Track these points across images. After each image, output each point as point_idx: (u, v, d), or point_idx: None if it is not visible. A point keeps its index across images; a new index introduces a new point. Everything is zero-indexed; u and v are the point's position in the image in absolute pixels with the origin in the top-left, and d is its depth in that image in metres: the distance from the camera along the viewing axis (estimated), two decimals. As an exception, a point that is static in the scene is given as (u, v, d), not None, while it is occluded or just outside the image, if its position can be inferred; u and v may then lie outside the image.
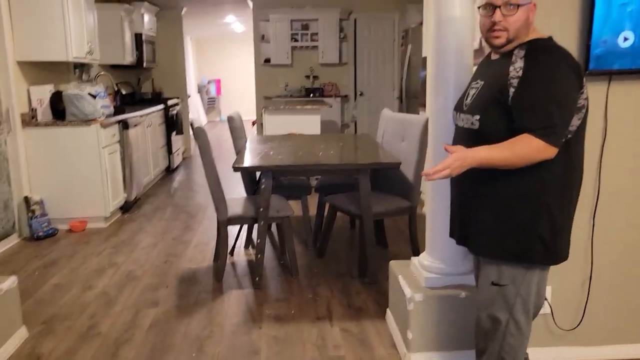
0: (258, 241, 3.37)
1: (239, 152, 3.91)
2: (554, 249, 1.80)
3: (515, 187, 1.77)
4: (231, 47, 14.29)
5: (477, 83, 1.92)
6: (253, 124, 9.54)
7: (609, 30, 2.17)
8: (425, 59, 5.09)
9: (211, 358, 2.57)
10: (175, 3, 7.90)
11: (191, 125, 3.43)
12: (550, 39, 1.80)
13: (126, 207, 5.18)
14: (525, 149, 1.69)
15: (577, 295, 2.43)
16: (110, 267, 3.75)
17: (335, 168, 3.39)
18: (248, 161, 3.38)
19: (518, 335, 1.92)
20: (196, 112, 12.53)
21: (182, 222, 4.88)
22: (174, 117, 7.36)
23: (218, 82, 14.53)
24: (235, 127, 4.15)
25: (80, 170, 4.56)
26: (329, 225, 3.81)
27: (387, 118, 4.08)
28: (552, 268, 2.23)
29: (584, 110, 1.75)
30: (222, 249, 3.47)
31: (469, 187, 1.91)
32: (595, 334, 2.46)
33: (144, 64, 7.10)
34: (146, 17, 7.11)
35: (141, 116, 5.77)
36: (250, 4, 8.32)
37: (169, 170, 7.27)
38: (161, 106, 6.91)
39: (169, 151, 7.21)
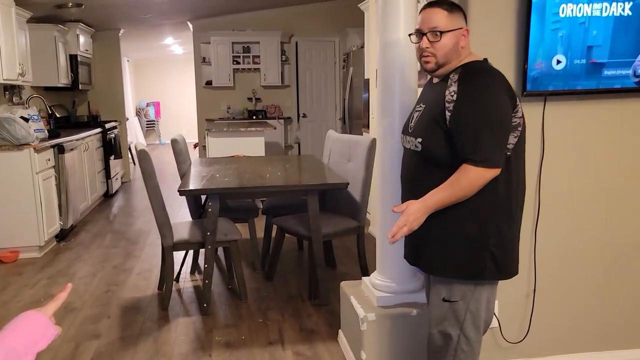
0: (205, 266, 3.29)
1: (184, 175, 3.83)
2: (504, 265, 1.85)
3: (463, 208, 1.79)
4: (170, 70, 14.07)
5: (420, 106, 1.96)
6: (195, 146, 9.39)
7: (543, 54, 2.29)
8: (367, 80, 5.20)
9: (159, 390, 2.46)
10: (112, 24, 7.72)
11: (134, 148, 3.32)
12: (485, 61, 1.85)
13: (62, 235, 4.94)
14: (468, 180, 1.73)
15: (522, 307, 2.51)
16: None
17: (284, 189, 3.38)
18: (194, 184, 3.31)
19: (469, 351, 1.95)
20: (134, 135, 12.20)
21: (123, 249, 4.70)
22: (112, 140, 7.13)
23: (157, 104, 14.24)
24: (179, 150, 4.07)
25: (11, 197, 4.32)
26: (278, 248, 3.78)
27: (333, 139, 4.11)
28: (500, 282, 2.30)
29: (519, 129, 1.79)
30: (167, 276, 3.36)
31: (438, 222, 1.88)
32: (542, 345, 2.54)
33: (80, 86, 6.86)
34: (82, 38, 6.90)
35: (77, 140, 5.56)
36: (190, 26, 8.26)
37: (107, 196, 7.01)
38: (99, 129, 6.68)
39: (107, 176, 6.97)
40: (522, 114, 1.81)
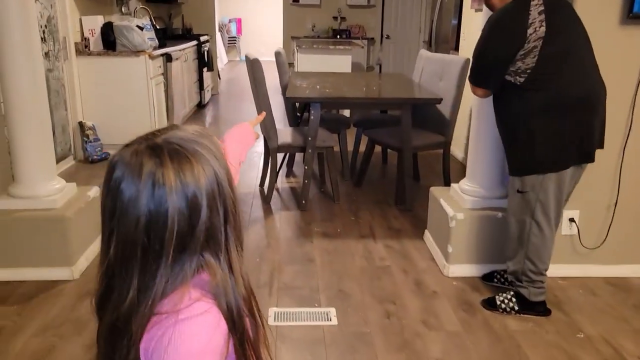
0: (305, 167, 3.67)
1: (286, 85, 4.15)
2: (554, 158, 2.23)
3: (508, 114, 2.31)
4: (253, -14, 14.18)
5: None
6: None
7: (654, -23, 2.36)
8: (461, 2, 5.22)
9: (272, 263, 2.92)
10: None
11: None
12: (511, 2, 2.21)
13: (168, 137, 5.46)
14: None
15: (602, 218, 2.73)
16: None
17: (381, 102, 3.65)
18: (299, 93, 3.63)
19: (540, 236, 2.32)
20: (217, 50, 12.60)
21: (223, 152, 5.18)
22: (206, 53, 7.53)
23: (239, 21, 14.50)
24: (281, 62, 4.37)
25: (129, 98, 4.82)
26: (367, 158, 4.10)
27: (425, 58, 4.28)
28: (580, 193, 2.56)
29: (536, 51, 2.12)
30: (271, 174, 3.78)
31: (497, 126, 2.43)
32: (617, 254, 2.78)
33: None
34: (180, -48, 7.16)
35: (180, 50, 5.97)
36: (280, -59, 8.31)
37: (200, 106, 7.51)
38: (194, 42, 7.07)
39: (201, 87, 7.43)
40: (547, 36, 2.11)
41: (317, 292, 2.63)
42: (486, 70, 2.30)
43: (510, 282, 2.52)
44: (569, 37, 2.19)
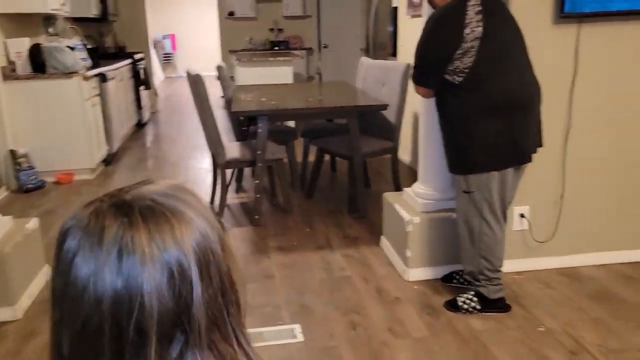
0: (256, 182, 3.60)
1: (229, 99, 4.07)
2: (493, 158, 2.29)
3: (447, 116, 2.37)
4: (186, 1, 13.98)
5: None
6: (217, 78, 9.54)
7: (582, -23, 2.47)
8: (395, 9, 5.31)
9: (230, 283, 2.83)
10: (135, -46, 7.73)
11: (188, 73, 3.56)
12: (450, 1, 2.27)
13: (108, 160, 5.26)
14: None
15: (551, 211, 2.82)
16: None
17: (329, 111, 3.64)
18: (245, 107, 3.57)
19: (491, 234, 2.37)
20: (153, 68, 12.31)
21: (168, 171, 5.03)
22: (142, 71, 7.32)
23: (173, 37, 14.24)
24: (224, 76, 4.30)
25: (64, 122, 4.60)
26: (317, 168, 4.08)
27: (367, 65, 4.32)
28: (528, 189, 2.63)
29: (473, 51, 2.18)
30: (222, 190, 3.68)
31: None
32: (566, 245, 2.86)
33: (108, 17, 6.99)
34: (108, -31, 6.95)
35: (115, 70, 5.77)
36: (211, -45, 8.23)
37: (140, 125, 7.29)
38: (129, 60, 6.87)
39: (139, 106, 7.21)
40: (484, 37, 2.17)
41: (279, 309, 2.57)
42: (426, 69, 2.35)
43: (469, 282, 2.55)
44: (504, 37, 2.25)
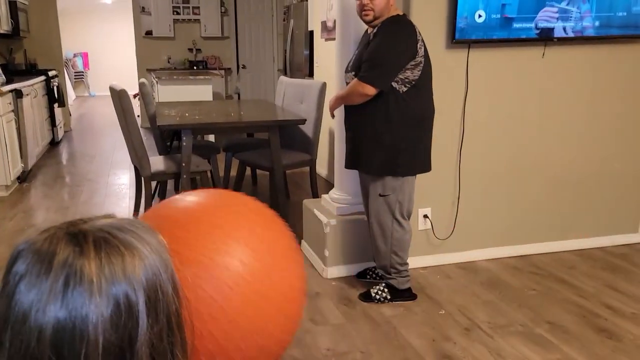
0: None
1: (153, 115, 4.20)
2: (416, 163, 2.59)
3: (382, 121, 2.53)
4: (98, 19, 13.73)
5: (357, 50, 2.71)
6: (135, 96, 9.49)
7: (468, 10, 2.90)
8: (311, 32, 5.66)
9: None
10: (48, -30, 7.62)
11: (112, 89, 3.67)
12: (403, 15, 2.54)
13: (23, 177, 5.16)
14: (350, 87, 2.55)
15: (449, 212, 3.20)
16: (30, 227, 3.88)
17: (252, 125, 3.86)
18: (169, 121, 3.72)
19: (402, 231, 2.70)
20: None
21: (87, 187, 5.02)
22: (55, 88, 7.20)
23: (85, 55, 13.90)
24: (146, 92, 4.41)
25: (-23, 139, 4.50)
26: (239, 181, 4.28)
27: (286, 83, 4.60)
28: (430, 191, 2.99)
29: (421, 66, 2.46)
30: (147, 203, 3.79)
31: (355, 128, 2.66)
32: (464, 242, 3.25)
33: (20, 33, 6.83)
34: (20, -16, 6.82)
35: (29, 86, 5.68)
36: (128, -26, 8.27)
37: (53, 143, 7.13)
38: (43, 77, 6.75)
39: (53, 124, 7.07)
40: (425, 55, 2.49)
41: (207, 307, 2.73)
42: (385, 70, 2.45)
43: (381, 276, 2.85)
44: (429, 63, 2.57)
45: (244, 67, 8.89)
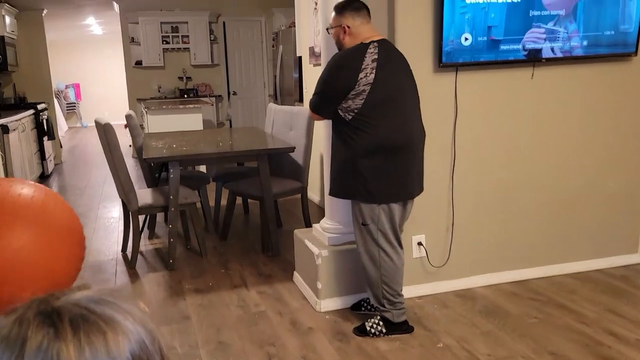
0: (169, 227, 3.66)
1: (140, 147, 4.13)
2: (374, 191, 2.51)
3: (340, 147, 2.56)
4: (89, 50, 13.77)
5: None
6: (125, 126, 9.45)
7: (454, 33, 2.86)
8: (299, 58, 5.65)
9: (146, 327, 2.85)
10: (36, 4, 7.63)
11: (97, 122, 3.61)
12: (357, 45, 2.49)
13: (10, 213, 5.06)
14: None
15: (444, 239, 3.12)
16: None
17: (240, 154, 3.80)
18: (156, 153, 3.65)
19: (389, 261, 2.61)
20: (57, 118, 11.93)
21: (76, 222, 4.92)
22: (44, 122, 7.15)
23: (77, 86, 13.91)
24: (134, 124, 4.36)
25: (-38, 176, 4.42)
26: (230, 210, 4.20)
27: (275, 110, 4.56)
28: (424, 217, 2.92)
29: (364, 94, 2.42)
30: (134, 237, 3.70)
31: (332, 155, 2.68)
32: (460, 269, 3.17)
33: (8, 68, 6.81)
34: (7, 19, 6.82)
35: (16, 121, 5.63)
36: (116, 6, 8.29)
37: (43, 177, 7.05)
38: (32, 111, 6.70)
39: (42, 157, 7.00)
40: (375, 84, 2.44)
41: (196, 348, 2.63)
42: (322, 101, 2.57)
43: (376, 308, 2.76)
44: (394, 87, 2.50)
45: (234, 93, 8.87)
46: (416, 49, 2.87)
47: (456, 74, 2.97)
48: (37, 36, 7.94)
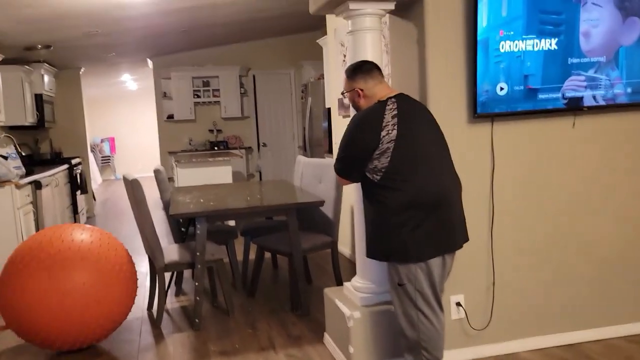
0: (196, 284, 3.54)
1: (167, 202, 4.08)
2: (409, 250, 2.36)
3: (370, 207, 2.47)
4: (124, 105, 14.18)
5: None
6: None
7: (489, 82, 2.75)
8: (328, 109, 5.62)
9: (169, 395, 2.70)
10: (74, 63, 7.90)
11: (124, 178, 3.58)
12: (376, 104, 2.42)
13: (40, 269, 5.04)
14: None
15: (484, 298, 2.91)
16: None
17: (267, 209, 3.70)
18: (183, 209, 3.58)
19: (428, 325, 2.42)
20: (91, 171, 12.20)
21: (104, 278, 4.85)
22: (78, 176, 7.25)
23: (112, 140, 14.27)
24: (161, 179, 4.33)
25: (-6, 233, 4.44)
26: (258, 266, 4.07)
27: (304, 163, 4.48)
28: (462, 276, 2.74)
29: (389, 152, 2.32)
30: (160, 295, 3.59)
31: (365, 215, 2.56)
32: (504, 331, 2.94)
33: (45, 124, 6.99)
34: (46, 78, 7.06)
35: (50, 176, 5.70)
36: (150, 63, 8.52)
37: (75, 231, 7.08)
38: (66, 166, 6.81)
39: (75, 211, 7.06)
40: (399, 139, 2.33)
41: (221, 419, 2.46)
42: (346, 165, 2.48)
43: (414, 376, 2.55)
44: (420, 139, 2.39)
45: (264, 145, 8.91)
46: (450, 100, 2.77)
47: (492, 124, 2.84)
48: (74, 93, 8.19)
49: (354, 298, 2.92)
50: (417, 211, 2.34)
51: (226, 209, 3.55)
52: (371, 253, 2.51)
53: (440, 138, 2.50)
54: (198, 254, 3.49)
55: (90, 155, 13.11)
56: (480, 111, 2.77)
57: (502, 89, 2.77)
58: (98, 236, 3.20)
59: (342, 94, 2.62)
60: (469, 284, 2.88)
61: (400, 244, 2.36)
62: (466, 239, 2.52)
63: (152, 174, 4.39)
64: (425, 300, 2.40)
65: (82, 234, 3.15)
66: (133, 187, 3.45)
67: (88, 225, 3.34)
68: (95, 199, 9.45)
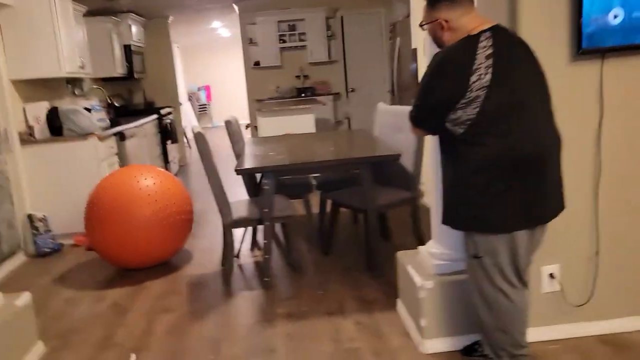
0: (265, 242, 3.39)
1: (239, 155, 3.93)
2: (494, 218, 1.97)
3: (450, 168, 2.08)
4: (218, 52, 14.30)
5: None
6: (247, 127, 9.56)
7: (599, 8, 2.21)
8: (415, 50, 5.13)
9: (229, 359, 2.59)
10: (161, 12, 7.91)
11: (190, 131, 3.44)
12: (466, 37, 1.97)
13: (128, 219, 5.18)
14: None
15: (584, 270, 2.47)
16: (120, 278, 3.77)
17: (335, 164, 3.42)
18: (249, 163, 3.41)
19: (508, 304, 2.06)
20: (188, 119, 12.54)
21: (186, 229, 4.89)
22: (168, 126, 7.37)
23: (208, 88, 14.55)
24: (233, 131, 4.18)
25: (81, 184, 4.56)
26: (332, 222, 3.84)
27: (382, 112, 4.11)
28: (556, 243, 2.31)
29: (478, 101, 1.90)
30: (228, 253, 3.49)
31: (442, 176, 2.19)
32: (607, 307, 2.50)
33: (135, 75, 7.11)
34: (134, 29, 7.12)
35: (136, 127, 5.78)
36: (236, 8, 8.34)
37: (167, 179, 7.27)
38: (155, 116, 6.92)
39: (165, 160, 7.22)
40: (489, 85, 1.88)
41: (277, 391, 2.31)
42: (425, 113, 2.09)
43: (492, 358, 2.22)
44: (518, 84, 1.94)
45: (353, 90, 8.53)
46: (546, 34, 2.27)
47: (602, 61, 2.31)
48: (164, 43, 8.25)
49: (428, 265, 2.60)
50: (505, 172, 1.93)
51: (292, 163, 3.31)
52: (447, 219, 2.15)
53: (541, 83, 2.03)
54: (265, 210, 3.32)
55: (188, 104, 13.48)
56: (587, 45, 2.25)
57: (616, 16, 2.21)
58: (160, 181, 3.87)
59: (421, 25, 2.17)
60: (565, 253, 2.45)
61: (480, 209, 1.99)
62: (562, 207, 2.09)
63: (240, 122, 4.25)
64: (504, 277, 2.03)
65: (146, 179, 3.79)
66: (197, 141, 3.30)
67: (156, 169, 4.00)
68: (191, 147, 9.66)
